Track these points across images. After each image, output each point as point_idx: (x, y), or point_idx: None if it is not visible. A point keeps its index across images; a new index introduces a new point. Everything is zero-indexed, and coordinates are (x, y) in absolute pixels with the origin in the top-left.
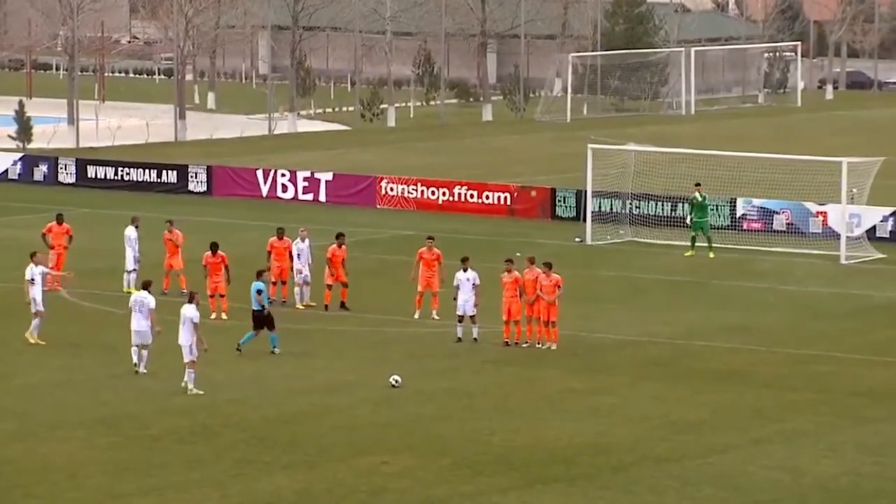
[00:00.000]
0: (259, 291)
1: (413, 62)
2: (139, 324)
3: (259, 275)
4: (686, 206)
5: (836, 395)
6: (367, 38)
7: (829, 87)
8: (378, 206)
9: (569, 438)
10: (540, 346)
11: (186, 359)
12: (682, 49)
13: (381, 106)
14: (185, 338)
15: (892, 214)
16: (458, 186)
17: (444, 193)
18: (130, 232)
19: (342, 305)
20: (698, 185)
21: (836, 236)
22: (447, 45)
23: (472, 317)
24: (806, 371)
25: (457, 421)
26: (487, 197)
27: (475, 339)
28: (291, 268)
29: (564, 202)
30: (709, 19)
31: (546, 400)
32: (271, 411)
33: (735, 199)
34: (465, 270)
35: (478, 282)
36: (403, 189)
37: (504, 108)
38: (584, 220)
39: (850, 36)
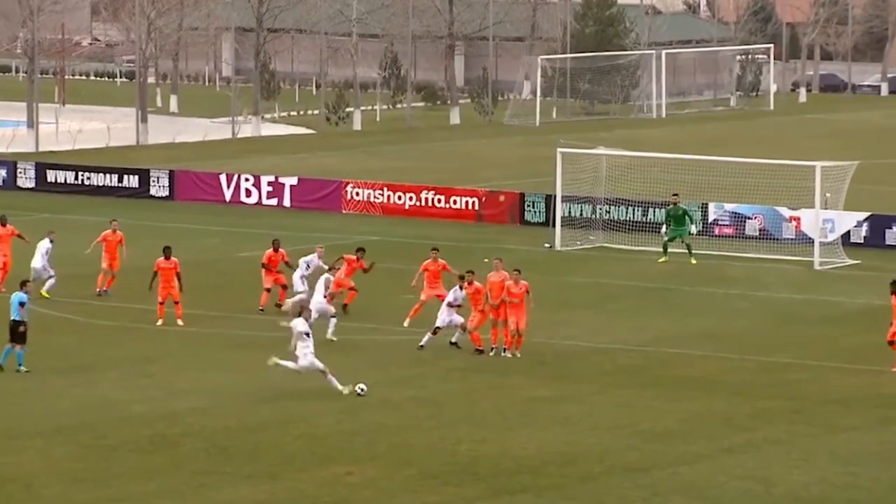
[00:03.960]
0: (22, 304)
1: (379, 65)
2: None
3: (23, 285)
4: (661, 212)
5: (808, 404)
6: (332, 41)
7: (803, 90)
8: (344, 211)
9: (536, 448)
10: (507, 354)
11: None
12: (653, 51)
13: (347, 109)
14: None
15: (866, 219)
16: (426, 191)
17: (410, 198)
18: (44, 244)
19: (344, 308)
20: (676, 195)
21: (810, 242)
22: (414, 48)
23: (461, 325)
24: (778, 379)
25: (423, 430)
26: (455, 202)
27: (454, 342)
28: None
29: (534, 207)
30: (680, 21)
31: (514, 408)
32: (233, 420)
33: (707, 203)
34: (461, 289)
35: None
36: (369, 194)
37: (472, 111)
38: (554, 225)
39: (824, 38)
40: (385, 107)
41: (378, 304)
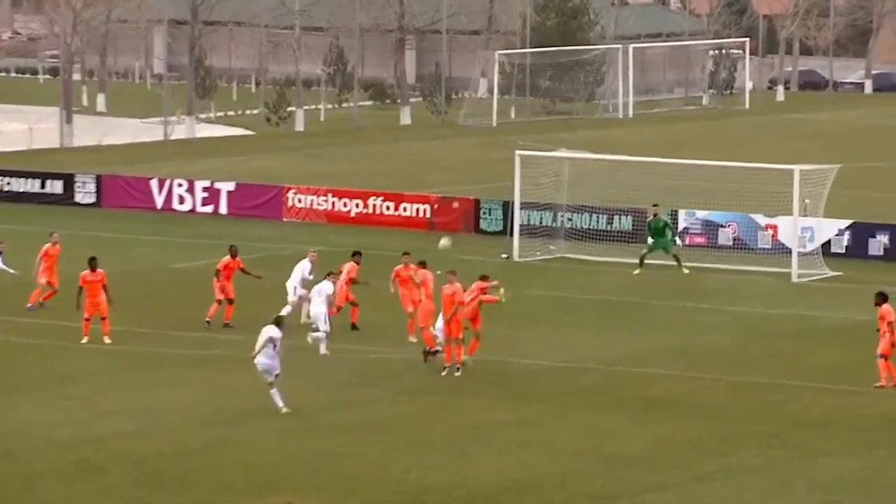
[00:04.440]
0: None
1: (324, 60)
2: None
3: None
4: (627, 220)
5: (784, 427)
6: (273, 34)
7: (780, 88)
8: (285, 219)
9: (492, 475)
10: (466, 359)
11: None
12: (620, 46)
13: (289, 108)
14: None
15: (848, 228)
16: (373, 197)
17: (357, 205)
18: None
19: (353, 326)
20: (656, 205)
21: (787, 252)
22: (362, 42)
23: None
24: (752, 400)
25: (370, 457)
26: (405, 209)
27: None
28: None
29: (490, 214)
30: (649, 13)
31: (467, 432)
32: (165, 445)
33: (676, 210)
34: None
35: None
36: (313, 200)
37: (424, 110)
38: (512, 234)
39: (803, 32)
40: (330, 106)
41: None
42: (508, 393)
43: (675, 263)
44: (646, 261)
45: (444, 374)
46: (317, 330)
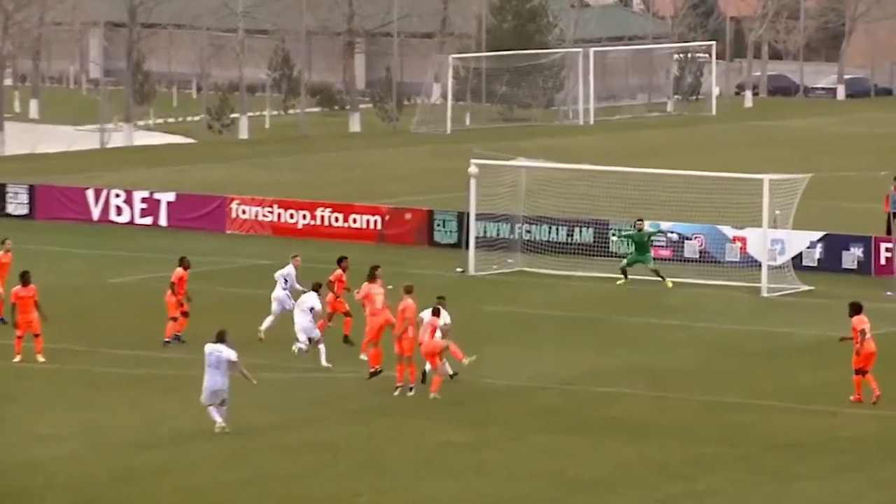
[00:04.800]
0: None
1: (269, 64)
2: None
3: None
4: (588, 232)
5: (754, 449)
6: (215, 37)
7: (749, 93)
8: (228, 231)
9: (447, 500)
10: (411, 391)
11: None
12: (580, 50)
13: (232, 115)
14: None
15: (820, 240)
16: (321, 208)
17: (304, 216)
18: None
19: (345, 339)
20: (640, 220)
21: (757, 265)
22: (309, 45)
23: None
24: (720, 420)
25: (319, 480)
26: (355, 220)
27: (453, 374)
28: (179, 302)
29: (444, 226)
30: (610, 16)
31: (421, 455)
32: (103, 469)
33: (643, 220)
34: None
35: (448, 321)
36: (257, 211)
37: (374, 117)
38: (467, 247)
39: (773, 35)
40: (275, 112)
41: (267, 337)
42: (464, 414)
43: (657, 278)
44: (627, 274)
45: (396, 393)
46: (315, 343)
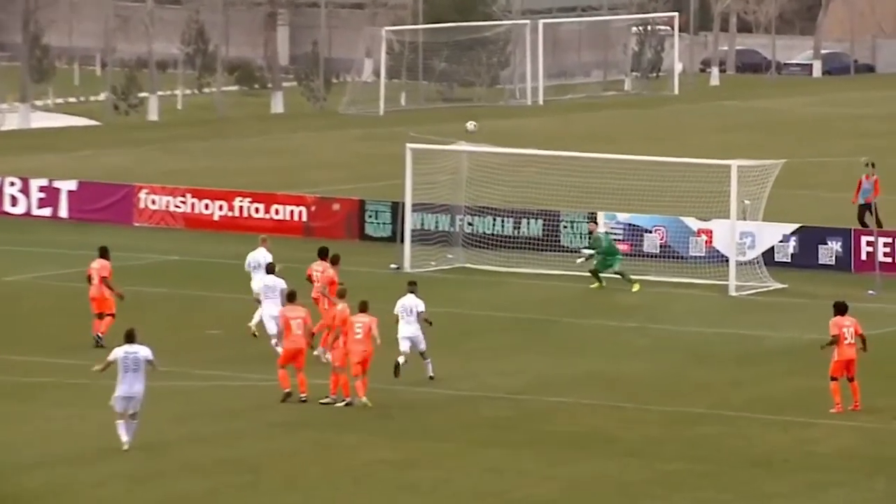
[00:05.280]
0: None
1: (182, 38)
2: None
3: None
4: (537, 224)
5: (723, 466)
6: (121, 7)
7: (715, 70)
8: (136, 224)
9: None
10: (347, 402)
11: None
12: (528, 22)
13: (141, 94)
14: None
15: (794, 233)
16: (240, 198)
17: (221, 207)
18: None
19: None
20: (593, 222)
21: (724, 261)
22: (226, 17)
23: (422, 352)
24: (685, 434)
25: (235, 502)
26: (277, 211)
27: (431, 377)
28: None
29: (377, 218)
30: None
31: (349, 474)
32: None
33: (595, 213)
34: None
35: (422, 308)
36: (169, 201)
37: (299, 97)
38: (402, 240)
39: (741, 5)
40: (189, 91)
41: (178, 340)
42: (397, 428)
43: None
44: (600, 274)
45: (324, 401)
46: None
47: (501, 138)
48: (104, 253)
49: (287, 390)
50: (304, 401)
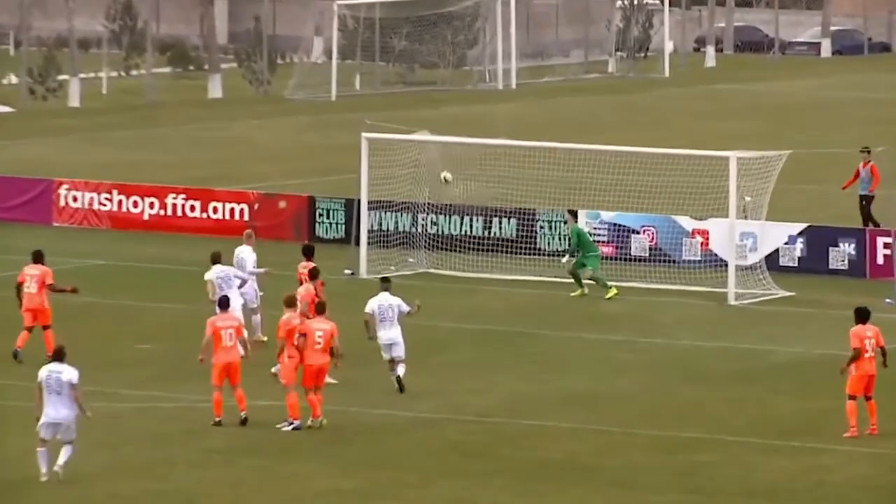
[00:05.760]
0: None
1: (106, 14)
2: None
3: None
4: (511, 224)
5: (721, 497)
6: None
7: (711, 50)
8: (55, 224)
9: None
10: (294, 424)
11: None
12: None
13: (60, 77)
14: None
15: (802, 234)
16: (173, 195)
17: (151, 205)
18: None
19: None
20: (572, 212)
21: (722, 265)
22: None
23: (397, 358)
24: (677, 462)
25: None
26: (215, 209)
27: (399, 382)
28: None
29: (328, 217)
30: None
31: None
32: None
33: (575, 211)
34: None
35: (405, 308)
36: (93, 198)
37: (240, 80)
38: (358, 243)
39: None
40: (115, 74)
41: (104, 356)
42: (353, 454)
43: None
44: (582, 279)
45: (283, 427)
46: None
47: (469, 126)
48: (39, 257)
49: (218, 418)
50: (245, 421)
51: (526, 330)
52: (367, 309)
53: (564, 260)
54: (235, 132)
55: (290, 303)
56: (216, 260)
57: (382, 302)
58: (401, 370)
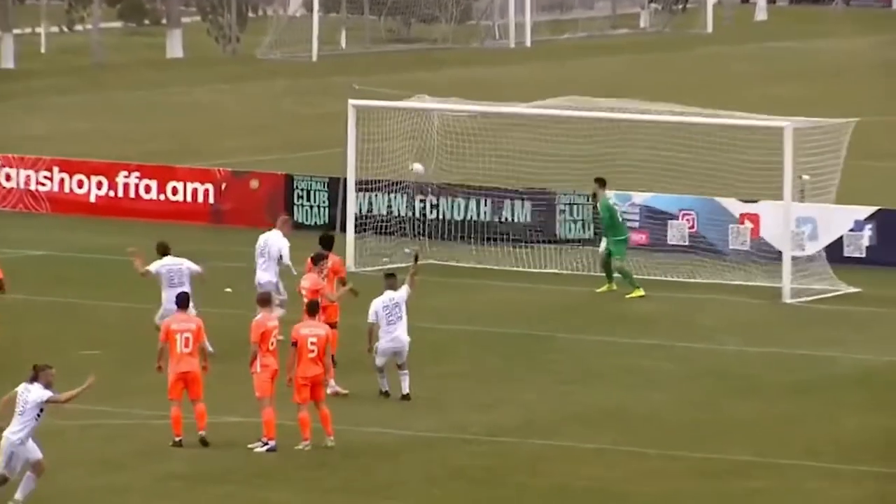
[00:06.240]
0: None
1: None
2: None
3: None
4: (525, 207)
5: None
6: None
7: (762, 1)
8: None
9: None
10: (268, 445)
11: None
12: None
13: None
14: None
15: (870, 218)
16: (125, 172)
17: (99, 185)
18: None
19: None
20: (601, 181)
21: (775, 256)
22: None
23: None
24: (724, 489)
25: None
26: (175, 190)
27: (406, 394)
28: None
29: (308, 199)
30: None
31: None
32: None
33: (604, 180)
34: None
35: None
36: (30, 177)
37: (204, 37)
38: (344, 229)
39: None
40: (56, 29)
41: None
42: (337, 481)
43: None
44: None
45: (255, 448)
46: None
47: (476, 91)
48: None
49: (178, 437)
50: (204, 442)
51: (542, 333)
52: (370, 317)
53: (601, 248)
54: (199, 98)
55: (265, 301)
56: (164, 251)
57: (387, 302)
58: (406, 383)
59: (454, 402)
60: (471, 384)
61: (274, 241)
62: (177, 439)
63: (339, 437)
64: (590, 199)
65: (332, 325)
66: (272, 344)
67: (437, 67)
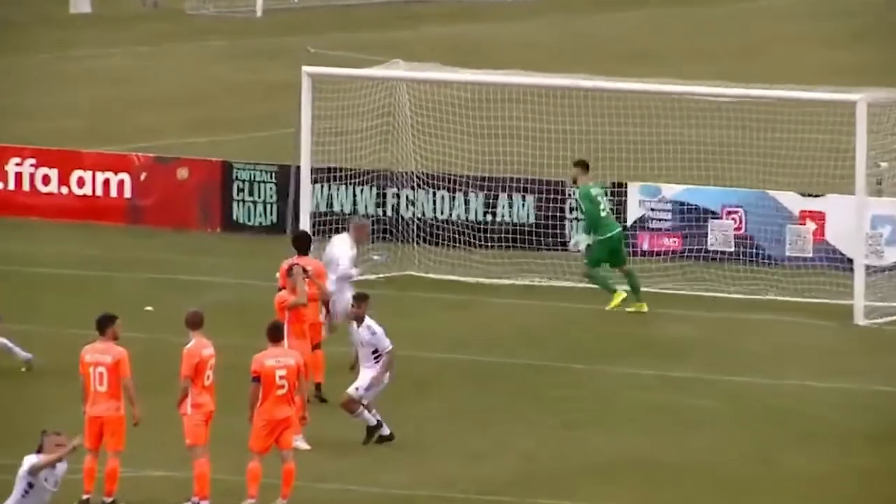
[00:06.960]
0: None
1: None
2: None
3: None
4: (527, 203)
5: None
6: None
7: None
8: None
9: None
10: None
11: None
12: None
13: None
14: None
15: None
16: (18, 159)
17: None
18: None
19: (317, 391)
20: (583, 164)
21: (846, 266)
22: None
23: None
24: None
25: None
26: (82, 182)
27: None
28: None
29: (252, 193)
30: None
31: None
32: None
33: (625, 184)
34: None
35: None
36: None
37: None
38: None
39: None
40: None
41: None
42: None
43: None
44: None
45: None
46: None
47: (463, 55)
48: None
49: (86, 496)
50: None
51: (547, 363)
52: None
53: (574, 242)
54: (111, 64)
55: (196, 323)
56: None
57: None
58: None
59: (437, 450)
60: (459, 427)
61: (339, 248)
62: (84, 497)
63: (297, 494)
64: (573, 185)
65: (316, 347)
66: (208, 378)
67: (414, 25)
